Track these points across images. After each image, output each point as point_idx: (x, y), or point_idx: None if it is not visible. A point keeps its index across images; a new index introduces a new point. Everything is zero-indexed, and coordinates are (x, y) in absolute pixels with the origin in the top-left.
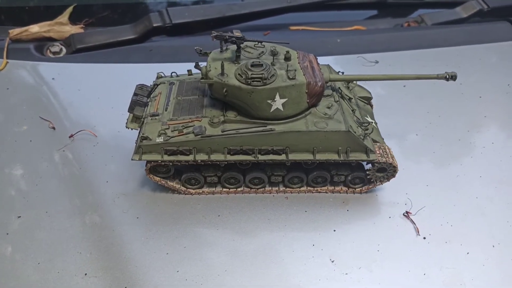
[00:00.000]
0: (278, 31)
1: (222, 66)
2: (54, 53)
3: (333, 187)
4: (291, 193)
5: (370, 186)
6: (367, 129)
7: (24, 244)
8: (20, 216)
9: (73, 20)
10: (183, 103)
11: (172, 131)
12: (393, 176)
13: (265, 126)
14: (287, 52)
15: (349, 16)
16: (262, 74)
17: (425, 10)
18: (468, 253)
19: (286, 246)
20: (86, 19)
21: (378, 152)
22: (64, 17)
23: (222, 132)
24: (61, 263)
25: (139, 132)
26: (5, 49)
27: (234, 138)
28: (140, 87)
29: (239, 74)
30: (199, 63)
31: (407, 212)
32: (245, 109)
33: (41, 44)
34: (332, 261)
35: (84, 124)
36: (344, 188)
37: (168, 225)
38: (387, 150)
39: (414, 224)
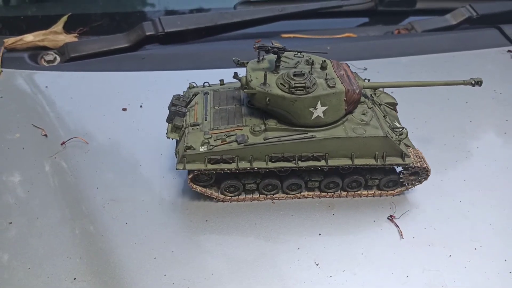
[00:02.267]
0: (269, 39)
1: (265, 76)
2: (48, 61)
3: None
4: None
5: (402, 189)
6: (401, 134)
7: (14, 249)
8: (11, 223)
9: (67, 29)
10: (221, 112)
11: (214, 140)
12: (426, 179)
13: (306, 133)
14: (323, 61)
15: (341, 24)
16: (305, 83)
17: (416, 17)
18: (450, 255)
19: (272, 250)
20: (80, 28)
21: (413, 156)
22: (59, 26)
23: (264, 140)
24: (50, 268)
25: (177, 142)
26: (0, 58)
27: (276, 145)
28: (177, 97)
29: (281, 83)
30: (238, 73)
31: (391, 216)
32: (286, 117)
33: (36, 53)
34: (317, 264)
35: (76, 132)
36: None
37: (156, 230)
38: (420, 155)
39: (398, 227)
